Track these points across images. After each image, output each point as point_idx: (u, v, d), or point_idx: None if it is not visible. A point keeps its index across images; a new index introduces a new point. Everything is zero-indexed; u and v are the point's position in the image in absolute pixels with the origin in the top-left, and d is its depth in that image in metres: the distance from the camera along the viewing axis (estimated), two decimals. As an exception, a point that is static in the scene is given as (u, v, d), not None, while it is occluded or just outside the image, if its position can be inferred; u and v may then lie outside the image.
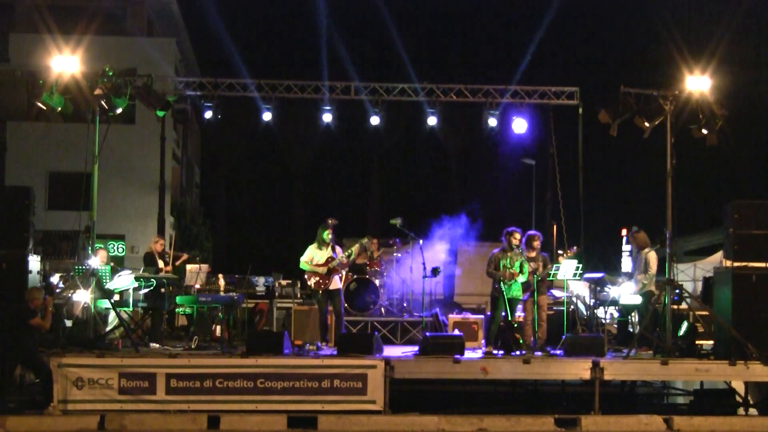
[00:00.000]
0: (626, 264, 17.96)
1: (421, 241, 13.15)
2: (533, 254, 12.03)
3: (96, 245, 12.20)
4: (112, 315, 12.15)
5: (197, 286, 12.69)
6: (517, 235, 11.73)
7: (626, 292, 12.39)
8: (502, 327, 11.66)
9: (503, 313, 11.52)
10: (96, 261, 11.98)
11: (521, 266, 11.66)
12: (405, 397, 10.89)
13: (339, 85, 14.86)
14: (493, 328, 11.74)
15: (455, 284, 16.14)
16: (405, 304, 14.83)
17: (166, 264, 13.08)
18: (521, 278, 11.63)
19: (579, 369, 10.78)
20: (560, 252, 14.43)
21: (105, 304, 11.89)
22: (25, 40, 24.08)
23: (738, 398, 11.75)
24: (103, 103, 12.09)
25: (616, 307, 13.03)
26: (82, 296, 11.66)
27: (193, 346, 11.49)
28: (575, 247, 12.85)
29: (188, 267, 13.08)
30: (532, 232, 12.36)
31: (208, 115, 15.04)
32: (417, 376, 10.93)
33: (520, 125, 14.99)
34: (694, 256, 24.87)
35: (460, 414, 10.54)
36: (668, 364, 10.82)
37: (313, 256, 12.01)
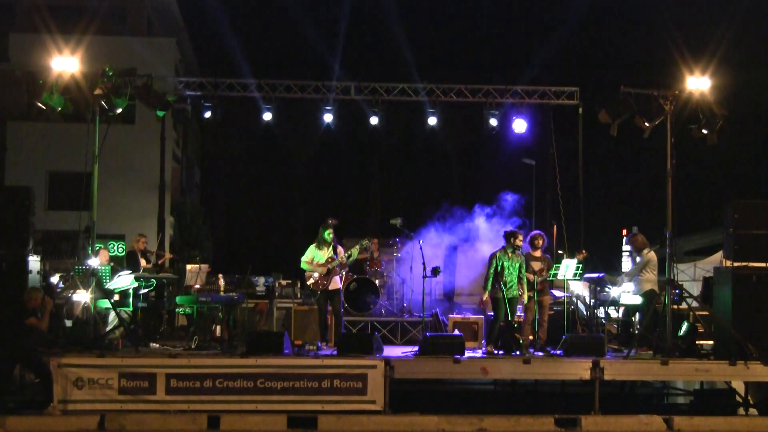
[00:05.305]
0: (626, 264, 17.94)
1: (421, 241, 13.14)
2: (538, 254, 12.04)
3: (96, 245, 12.20)
4: (112, 315, 12.16)
5: (197, 286, 12.69)
6: (520, 237, 11.73)
7: (626, 292, 12.38)
8: (502, 327, 11.67)
9: (503, 313, 11.52)
10: (96, 261, 11.99)
11: (520, 268, 11.66)
12: (405, 397, 10.88)
13: (339, 85, 14.85)
14: (493, 328, 11.74)
15: (455, 284, 16.13)
16: (405, 304, 14.83)
17: (148, 262, 13.07)
18: (525, 296, 11.66)
19: (579, 369, 10.79)
20: (560, 252, 14.42)
21: (105, 303, 11.89)
22: (25, 40, 24.03)
23: (738, 398, 11.76)
24: (103, 103, 12.09)
25: (616, 307, 13.03)
26: (82, 296, 11.66)
27: (193, 346, 11.50)
28: (584, 251, 12.85)
29: (188, 267, 13.09)
30: (535, 231, 12.38)
31: (208, 115, 15.02)
32: (417, 376, 10.94)
33: (520, 125, 14.97)
34: (694, 256, 24.83)
35: (460, 414, 10.54)
36: (668, 364, 10.83)
37: (313, 256, 12.02)
